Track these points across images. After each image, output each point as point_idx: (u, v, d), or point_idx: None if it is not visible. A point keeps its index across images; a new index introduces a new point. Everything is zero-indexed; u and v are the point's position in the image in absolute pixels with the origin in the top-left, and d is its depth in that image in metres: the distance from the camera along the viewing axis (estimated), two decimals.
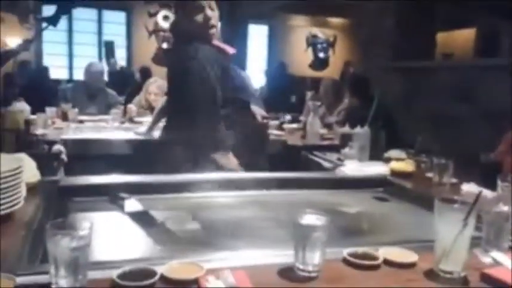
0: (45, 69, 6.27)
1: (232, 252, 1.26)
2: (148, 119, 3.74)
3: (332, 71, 9.34)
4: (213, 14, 2.27)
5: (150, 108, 4.34)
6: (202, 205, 1.82)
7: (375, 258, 1.14)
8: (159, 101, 3.62)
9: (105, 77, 4.98)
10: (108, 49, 7.64)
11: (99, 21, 9.64)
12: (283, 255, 1.14)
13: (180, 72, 2.24)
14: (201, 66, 2.14)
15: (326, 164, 2.52)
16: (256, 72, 8.86)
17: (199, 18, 2.24)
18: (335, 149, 2.77)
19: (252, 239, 1.49)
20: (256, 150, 2.30)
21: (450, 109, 4.38)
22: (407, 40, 5.10)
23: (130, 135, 3.53)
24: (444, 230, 1.09)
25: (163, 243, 1.43)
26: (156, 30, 9.31)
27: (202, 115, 2.13)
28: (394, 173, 2.17)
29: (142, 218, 1.59)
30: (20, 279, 0.96)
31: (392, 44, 5.31)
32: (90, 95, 4.77)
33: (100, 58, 9.35)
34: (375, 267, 1.12)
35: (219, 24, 2.30)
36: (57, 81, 7.05)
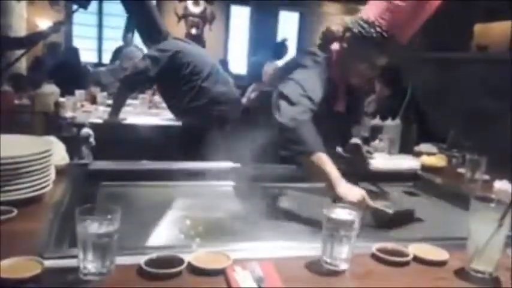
0: (75, 51, 6.31)
1: (259, 243, 1.25)
2: None
3: None
4: None
5: None
6: (228, 194, 1.81)
7: (404, 254, 1.12)
8: None
9: None
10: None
11: None
12: (309, 248, 1.12)
13: None
14: None
15: None
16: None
17: None
18: (364, 141, 2.72)
19: (279, 230, 1.48)
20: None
21: (484, 103, 4.27)
22: (443, 31, 4.97)
23: (156, 121, 3.56)
24: (478, 229, 1.06)
25: (188, 231, 1.43)
26: (185, 15, 9.34)
27: None
28: (425, 168, 2.13)
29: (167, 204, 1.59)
30: (48, 263, 0.96)
31: (427, 34, 5.18)
32: None
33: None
34: (404, 264, 1.10)
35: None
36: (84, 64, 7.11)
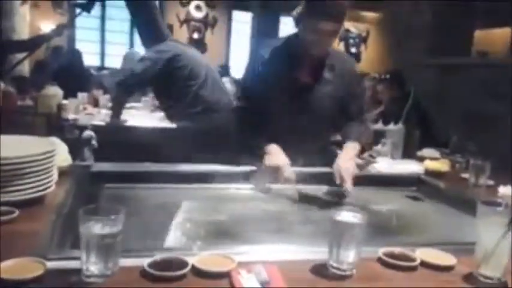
0: (78, 54, 6.32)
1: (263, 246, 1.24)
2: None
3: (364, 66, 9.21)
4: None
5: None
6: (229, 196, 1.80)
7: (411, 259, 1.10)
8: None
9: None
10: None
11: None
12: (315, 252, 1.11)
13: None
14: None
15: (357, 161, 2.46)
16: None
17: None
18: (366, 145, 2.71)
19: (282, 234, 1.46)
20: None
21: (485, 108, 4.27)
22: (444, 36, 4.97)
23: (159, 123, 3.55)
24: (486, 234, 1.05)
25: (192, 233, 1.41)
26: (187, 20, 9.36)
27: None
28: (429, 172, 2.11)
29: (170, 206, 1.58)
30: (51, 264, 0.95)
31: (428, 40, 5.19)
32: None
33: (131, 45, 9.39)
34: (411, 269, 1.08)
35: None
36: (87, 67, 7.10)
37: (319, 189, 1.93)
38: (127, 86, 3.32)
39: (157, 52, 3.19)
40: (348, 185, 1.78)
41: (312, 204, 1.76)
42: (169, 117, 3.42)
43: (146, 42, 3.38)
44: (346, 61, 2.17)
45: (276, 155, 1.89)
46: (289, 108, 2.01)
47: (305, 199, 1.79)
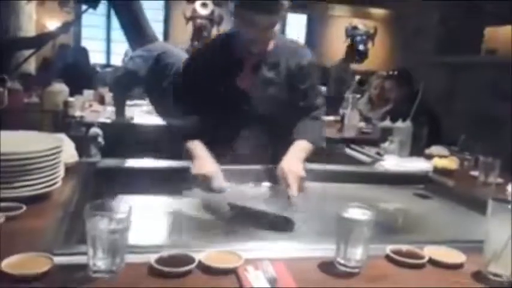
0: (85, 51, 6.33)
1: (270, 243, 1.23)
2: None
3: (371, 64, 9.17)
4: None
5: None
6: (237, 195, 1.78)
7: (420, 256, 1.09)
8: None
9: None
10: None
11: None
12: (322, 249, 1.11)
13: None
14: None
15: (364, 158, 2.45)
16: None
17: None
18: (373, 143, 2.70)
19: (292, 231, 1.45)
20: None
21: (494, 106, 4.24)
22: (453, 34, 4.94)
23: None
24: (496, 232, 1.04)
25: (198, 230, 1.41)
26: (193, 17, 9.36)
27: None
28: (437, 170, 2.09)
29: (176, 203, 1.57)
30: (57, 259, 0.95)
31: (436, 38, 5.16)
32: None
33: None
34: (419, 266, 1.08)
35: None
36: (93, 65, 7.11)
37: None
38: (122, 84, 3.41)
39: (146, 50, 3.32)
40: (293, 191, 1.60)
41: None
42: (159, 112, 3.47)
43: (132, 43, 3.45)
44: (295, 55, 1.95)
45: (204, 160, 1.73)
46: (223, 111, 1.89)
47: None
